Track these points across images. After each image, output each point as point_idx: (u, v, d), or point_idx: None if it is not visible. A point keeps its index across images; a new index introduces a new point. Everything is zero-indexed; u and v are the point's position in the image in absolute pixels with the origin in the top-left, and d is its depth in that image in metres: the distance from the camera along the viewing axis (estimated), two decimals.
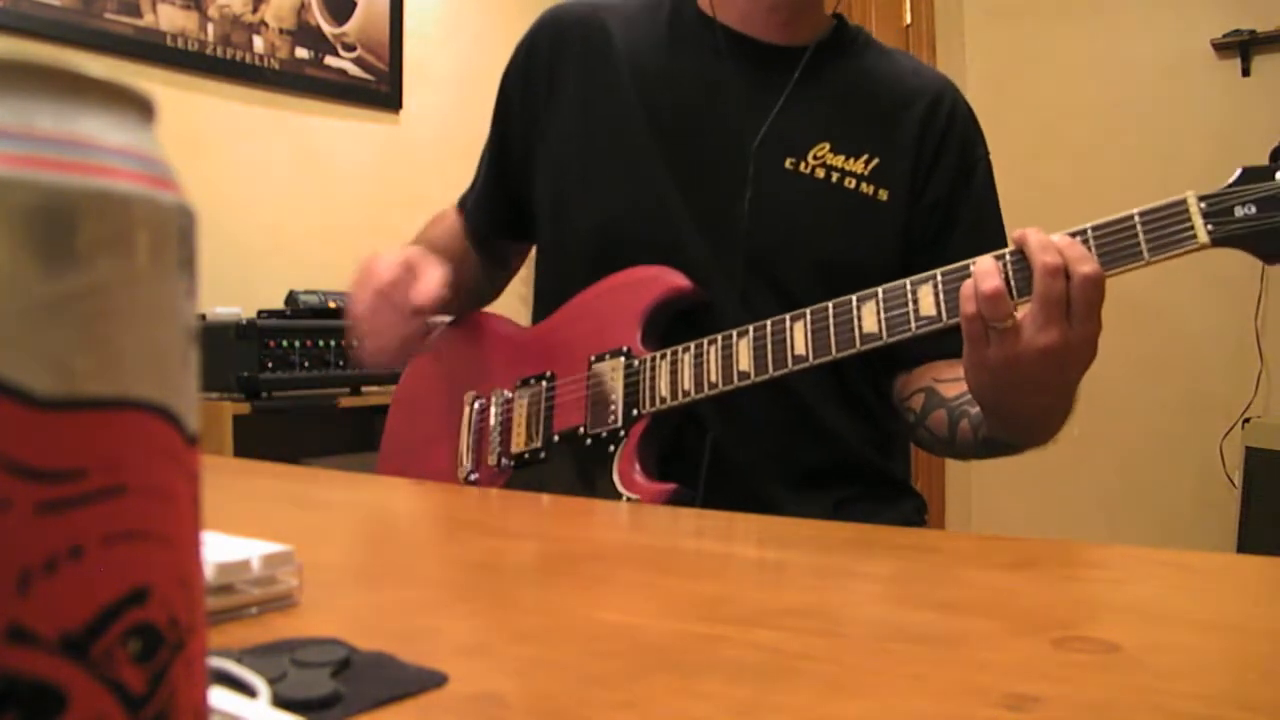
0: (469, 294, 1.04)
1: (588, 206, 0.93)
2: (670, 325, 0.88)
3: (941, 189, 0.92)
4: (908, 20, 3.05)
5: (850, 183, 0.90)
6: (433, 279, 0.86)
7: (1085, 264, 0.68)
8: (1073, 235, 0.70)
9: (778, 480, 0.87)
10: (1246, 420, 2.55)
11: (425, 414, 1.00)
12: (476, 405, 0.95)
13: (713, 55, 0.94)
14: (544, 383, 0.91)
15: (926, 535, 0.64)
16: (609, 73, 0.95)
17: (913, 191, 0.91)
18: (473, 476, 0.93)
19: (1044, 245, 0.69)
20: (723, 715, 0.29)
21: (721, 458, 0.86)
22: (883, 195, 0.90)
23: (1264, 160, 0.71)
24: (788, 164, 0.90)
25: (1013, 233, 0.72)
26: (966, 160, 0.94)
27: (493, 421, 0.93)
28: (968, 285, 0.71)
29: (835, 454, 0.89)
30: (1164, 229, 0.69)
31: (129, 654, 0.16)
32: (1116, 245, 0.70)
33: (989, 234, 0.94)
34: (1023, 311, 0.70)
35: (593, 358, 0.88)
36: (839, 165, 0.90)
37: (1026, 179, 2.32)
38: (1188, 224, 0.68)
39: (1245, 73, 2.69)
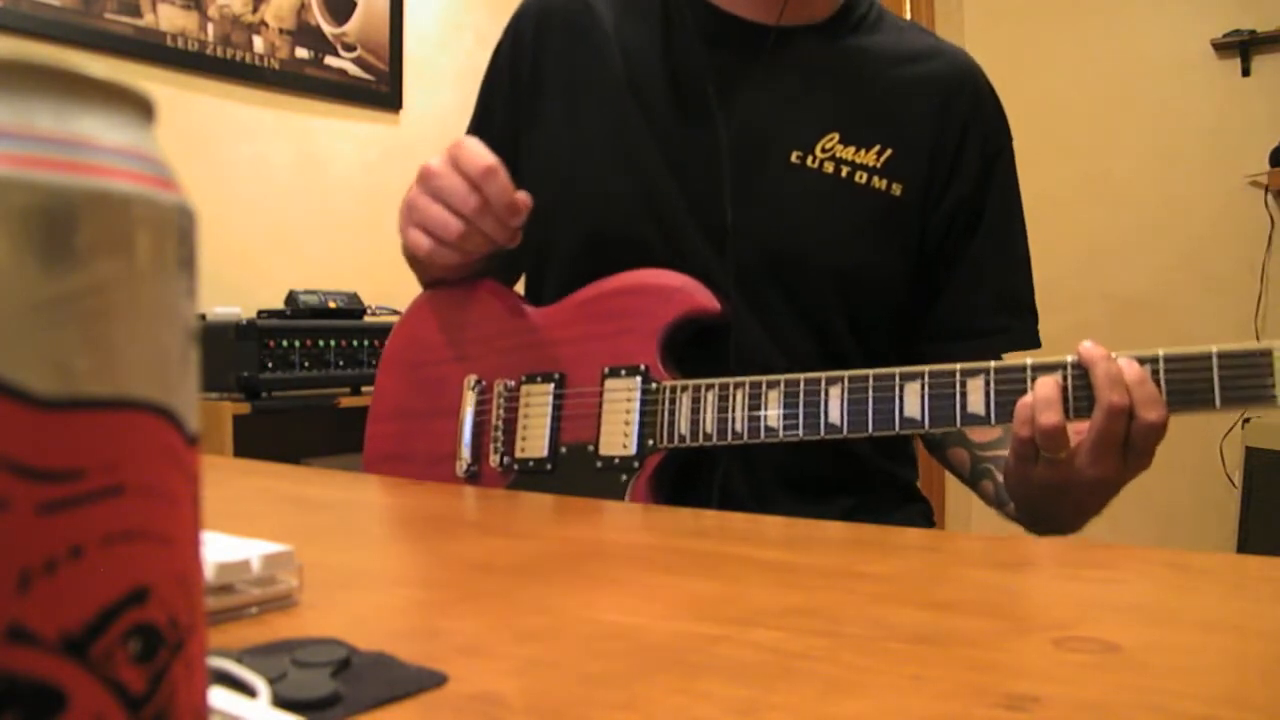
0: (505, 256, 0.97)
1: (584, 210, 0.89)
2: (689, 338, 0.84)
3: (965, 187, 0.87)
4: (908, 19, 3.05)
5: (862, 177, 0.85)
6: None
7: (1153, 410, 0.64)
8: (1142, 362, 0.66)
9: (786, 490, 0.84)
10: (1246, 420, 2.55)
11: (421, 383, 0.93)
12: (478, 390, 0.89)
13: (708, 41, 0.89)
14: (552, 385, 0.86)
15: (926, 535, 0.64)
16: (597, 61, 0.90)
17: (930, 189, 0.87)
18: (472, 471, 0.88)
19: (1113, 381, 0.65)
20: (723, 715, 0.29)
21: (729, 468, 0.83)
22: (896, 190, 0.85)
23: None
24: (794, 157, 0.85)
25: (1080, 346, 0.67)
26: (989, 151, 0.89)
27: (494, 416, 0.88)
28: (1024, 407, 0.67)
29: (846, 464, 0.86)
30: (1242, 379, 0.64)
31: (129, 654, 0.16)
32: (1188, 387, 0.65)
33: (1011, 234, 0.91)
34: (1074, 429, 0.67)
35: (606, 369, 0.83)
36: (849, 158, 0.85)
37: (1026, 179, 2.32)
38: (1269, 379, 0.63)
39: (1245, 73, 2.70)
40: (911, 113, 0.87)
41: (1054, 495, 0.71)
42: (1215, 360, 0.65)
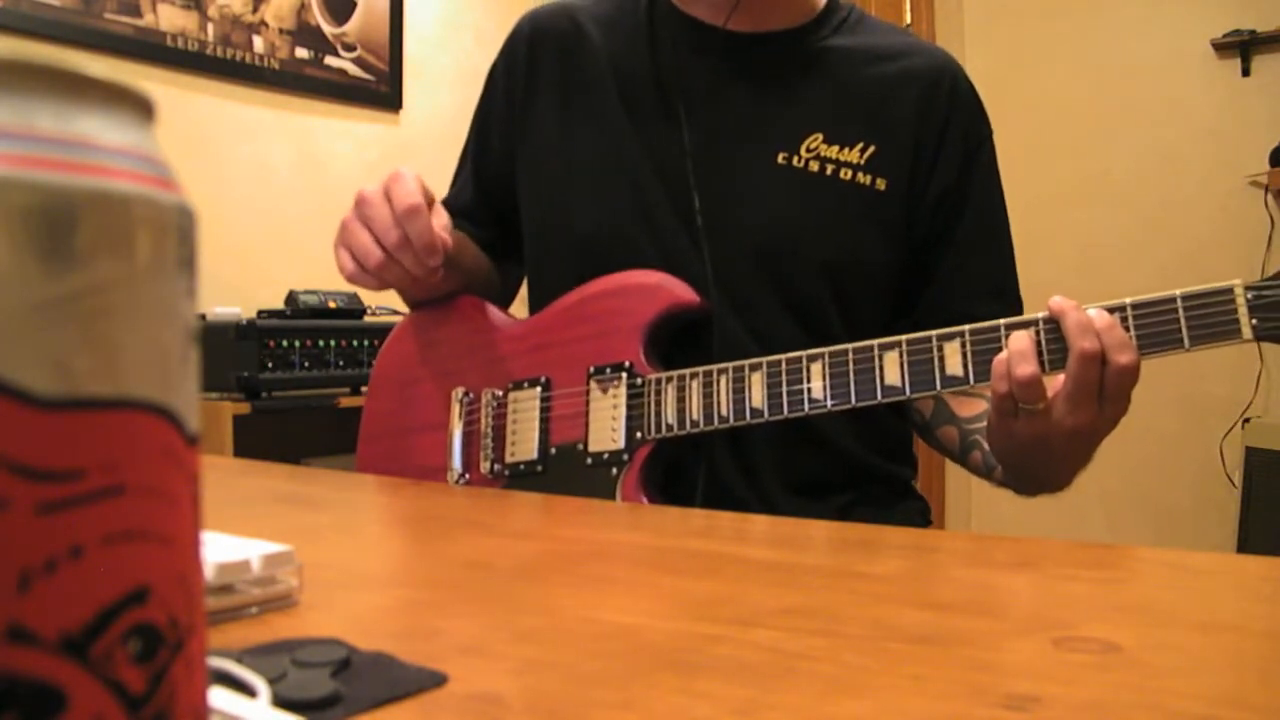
0: (481, 282, 0.99)
1: (576, 217, 0.91)
2: (672, 336, 0.86)
3: (948, 178, 0.89)
4: (908, 20, 3.05)
5: (846, 174, 0.87)
6: (444, 218, 0.81)
7: (1124, 353, 0.66)
8: (1110, 311, 0.68)
9: (779, 491, 0.85)
10: (1246, 420, 2.55)
11: (409, 400, 0.95)
12: (465, 402, 0.91)
13: (691, 52, 0.91)
14: (539, 389, 0.87)
15: (926, 535, 0.64)
16: (588, 76, 0.93)
17: (914, 183, 0.88)
18: (463, 480, 0.90)
19: (1083, 328, 0.67)
20: (723, 715, 0.29)
21: (719, 467, 0.84)
22: (881, 185, 0.87)
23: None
24: (780, 158, 0.87)
25: (1050, 300, 0.69)
26: (970, 143, 0.91)
27: (483, 424, 0.89)
28: (1001, 363, 0.69)
29: (839, 462, 0.87)
30: (1207, 317, 0.66)
31: (129, 654, 0.16)
32: (1157, 329, 0.67)
33: (995, 225, 0.93)
34: (1052, 383, 0.69)
35: (592, 369, 0.85)
36: (833, 156, 0.87)
37: (1026, 179, 2.32)
38: (1232, 315, 0.66)
39: (1245, 73, 2.69)
40: (893, 109, 0.89)
41: (1036, 449, 0.72)
42: (1180, 302, 0.67)
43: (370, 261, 0.80)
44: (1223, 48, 2.70)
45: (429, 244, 0.78)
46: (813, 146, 0.87)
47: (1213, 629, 0.38)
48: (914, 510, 0.92)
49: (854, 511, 0.86)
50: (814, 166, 0.87)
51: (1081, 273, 2.80)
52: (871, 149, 0.87)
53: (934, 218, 0.90)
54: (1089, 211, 2.86)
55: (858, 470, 0.88)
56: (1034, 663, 0.33)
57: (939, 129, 0.89)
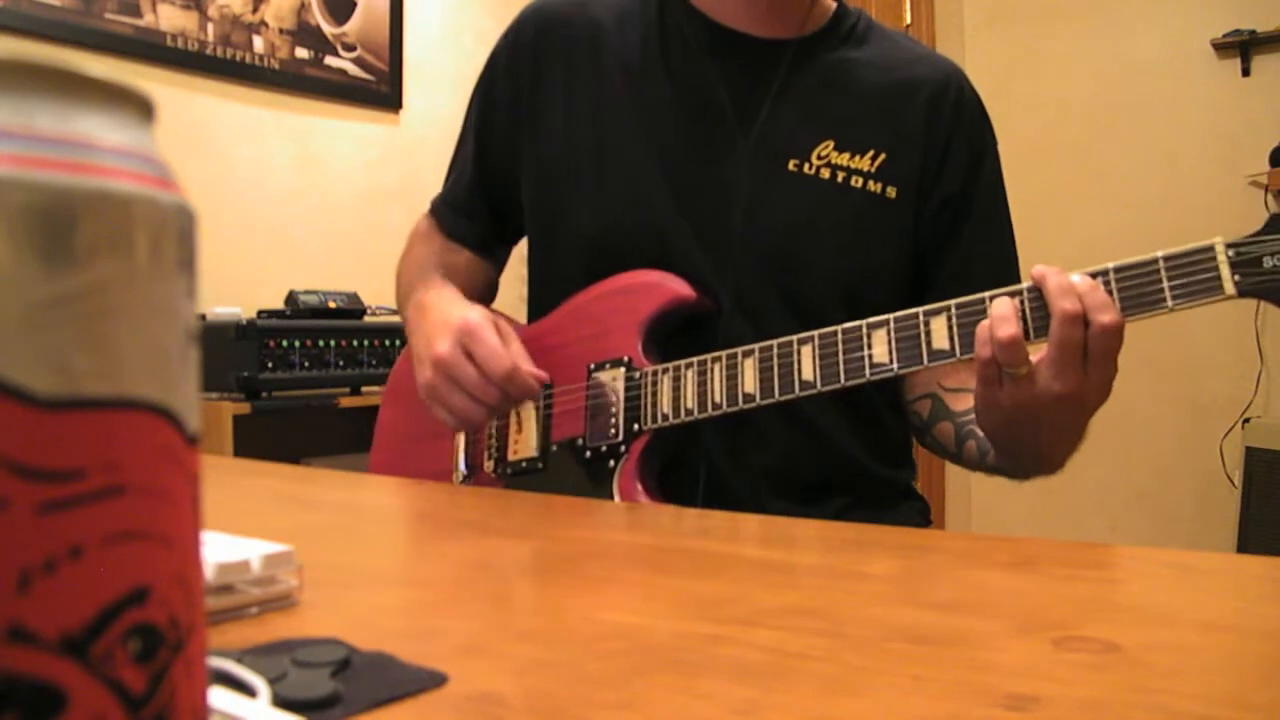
0: (478, 295, 1.00)
1: (581, 217, 0.90)
2: (672, 334, 0.86)
3: (953, 185, 0.90)
4: (908, 20, 3.05)
5: (857, 181, 0.87)
6: (517, 343, 0.85)
7: (1105, 313, 0.66)
8: (1093, 276, 0.68)
9: (778, 494, 0.85)
10: (1246, 420, 2.55)
11: (418, 408, 0.95)
12: None
13: (705, 53, 0.91)
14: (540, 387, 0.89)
15: (926, 535, 0.64)
16: (597, 72, 0.92)
17: (921, 188, 0.89)
18: (468, 480, 0.91)
19: (1064, 290, 0.67)
20: (723, 715, 0.29)
21: (720, 472, 0.84)
22: (891, 192, 0.88)
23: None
24: (791, 165, 0.87)
25: (1032, 269, 0.69)
26: (975, 150, 0.91)
27: (488, 425, 0.91)
28: (983, 328, 0.69)
29: (839, 466, 0.87)
30: (1190, 276, 0.66)
31: (129, 654, 0.16)
32: (1139, 291, 0.67)
33: (998, 226, 0.93)
34: (1037, 353, 0.69)
35: (591, 365, 0.86)
36: (844, 164, 0.87)
37: (1026, 179, 2.31)
38: (1214, 273, 0.66)
39: (1245, 73, 2.69)
40: (901, 117, 0.89)
41: (1024, 419, 0.71)
42: (1162, 263, 0.67)
43: (476, 421, 0.84)
44: (1223, 48, 2.70)
45: (531, 394, 0.82)
46: (824, 154, 0.87)
47: (1213, 629, 0.38)
48: (913, 510, 0.92)
49: (853, 514, 0.86)
50: (825, 174, 0.87)
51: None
52: (882, 157, 0.88)
53: (938, 224, 0.90)
54: (1090, 211, 2.86)
55: (857, 473, 0.88)
56: (1033, 663, 0.33)
57: (945, 137, 0.90)
